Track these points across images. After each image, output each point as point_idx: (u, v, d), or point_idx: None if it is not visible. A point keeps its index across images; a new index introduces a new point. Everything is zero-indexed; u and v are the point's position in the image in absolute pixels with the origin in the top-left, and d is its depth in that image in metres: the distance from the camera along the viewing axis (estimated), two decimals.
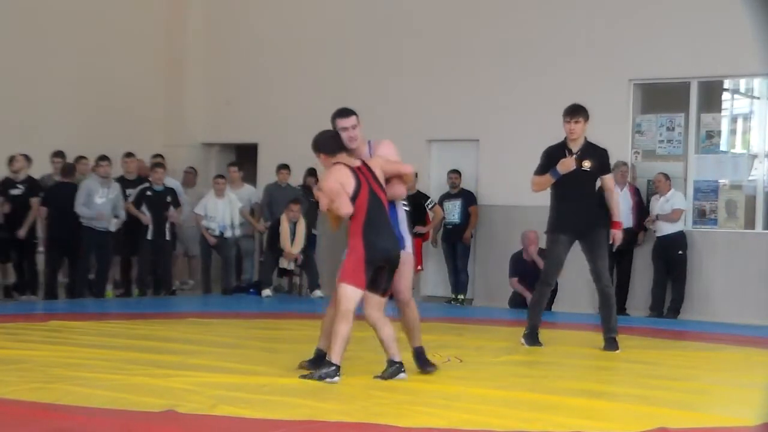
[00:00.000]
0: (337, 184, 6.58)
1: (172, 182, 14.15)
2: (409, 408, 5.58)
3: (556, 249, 8.67)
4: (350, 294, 6.52)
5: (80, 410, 5.28)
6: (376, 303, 6.59)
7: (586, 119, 8.58)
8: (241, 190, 14.49)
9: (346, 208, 6.54)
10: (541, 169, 8.64)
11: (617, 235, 8.57)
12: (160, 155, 14.34)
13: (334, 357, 6.45)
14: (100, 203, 12.59)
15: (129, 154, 13.66)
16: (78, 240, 12.58)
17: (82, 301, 12.23)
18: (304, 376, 6.48)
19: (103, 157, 12.88)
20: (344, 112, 7.13)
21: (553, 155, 8.62)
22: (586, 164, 8.51)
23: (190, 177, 14.98)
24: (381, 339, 6.61)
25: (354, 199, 6.55)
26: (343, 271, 6.58)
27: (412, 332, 6.88)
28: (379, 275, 6.55)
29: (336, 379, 6.36)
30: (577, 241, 8.63)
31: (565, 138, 8.64)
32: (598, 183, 8.67)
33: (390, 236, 6.59)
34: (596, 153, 8.61)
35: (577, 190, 8.53)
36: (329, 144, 6.83)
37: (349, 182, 6.59)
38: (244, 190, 14.56)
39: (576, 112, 8.58)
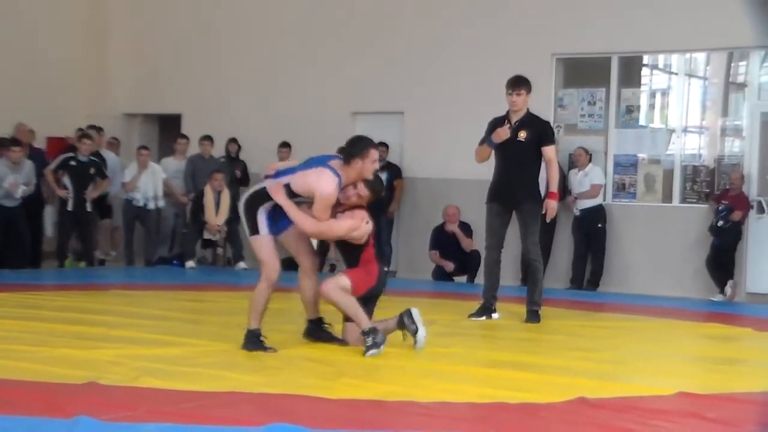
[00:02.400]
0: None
1: (109, 155, 14.04)
2: (333, 380, 5.62)
3: (491, 218, 8.78)
4: (347, 287, 6.64)
5: (1, 382, 5.22)
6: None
7: (528, 91, 8.66)
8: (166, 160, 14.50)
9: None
10: (483, 140, 8.73)
11: (550, 205, 8.60)
12: (96, 127, 14.20)
13: (366, 323, 6.52)
14: (7, 188, 12.42)
15: (85, 135, 13.37)
16: None
17: (1, 273, 12.03)
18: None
19: (15, 142, 12.67)
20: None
21: (493, 126, 8.70)
22: (522, 135, 8.59)
23: (113, 147, 14.79)
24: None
25: None
26: (354, 272, 6.70)
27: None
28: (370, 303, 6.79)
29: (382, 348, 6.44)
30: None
31: (508, 109, 8.71)
32: None
33: None
34: (536, 124, 8.69)
35: (513, 161, 8.61)
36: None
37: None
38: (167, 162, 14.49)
39: (518, 84, 8.65)
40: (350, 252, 6.84)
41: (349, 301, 6.63)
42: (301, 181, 6.51)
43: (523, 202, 8.64)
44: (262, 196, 6.59)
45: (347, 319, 6.79)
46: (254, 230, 6.61)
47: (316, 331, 6.96)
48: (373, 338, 6.48)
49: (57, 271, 12.81)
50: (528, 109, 8.72)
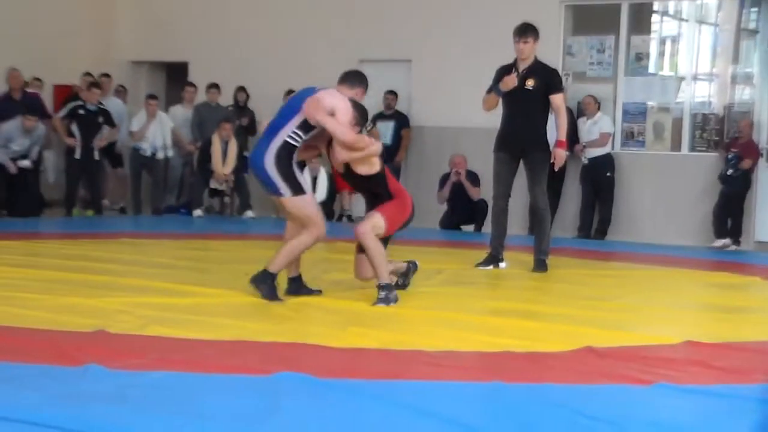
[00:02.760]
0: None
1: (117, 103, 14.00)
2: (341, 329, 5.63)
3: (498, 166, 8.75)
4: (381, 228, 6.57)
5: (9, 330, 5.25)
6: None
7: (535, 39, 8.59)
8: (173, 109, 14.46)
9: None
10: (491, 88, 8.68)
11: (558, 153, 8.55)
12: (106, 75, 14.20)
13: (386, 278, 6.52)
14: (17, 150, 12.43)
15: (94, 84, 13.33)
16: None
17: (11, 221, 12.06)
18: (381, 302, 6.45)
19: (33, 111, 12.64)
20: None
21: (501, 74, 8.64)
22: (530, 83, 8.54)
23: (120, 95, 14.72)
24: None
25: None
26: (387, 208, 6.64)
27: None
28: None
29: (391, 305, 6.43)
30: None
31: (516, 58, 8.65)
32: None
33: None
34: (544, 72, 8.62)
35: (520, 110, 8.56)
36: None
37: None
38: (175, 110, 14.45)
39: (525, 31, 8.58)
40: (376, 186, 6.75)
41: (379, 251, 6.53)
42: (313, 109, 6.40)
43: (531, 151, 8.60)
44: (288, 151, 6.48)
45: (360, 251, 6.74)
46: (297, 189, 6.47)
47: (300, 288, 6.84)
48: (387, 294, 6.47)
49: (64, 219, 12.82)
50: (536, 57, 8.65)
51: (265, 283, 6.50)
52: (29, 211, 12.58)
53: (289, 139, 6.44)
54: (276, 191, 6.47)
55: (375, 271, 6.57)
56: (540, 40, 8.73)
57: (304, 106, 6.44)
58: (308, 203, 6.57)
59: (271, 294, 6.48)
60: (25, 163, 12.60)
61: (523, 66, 8.60)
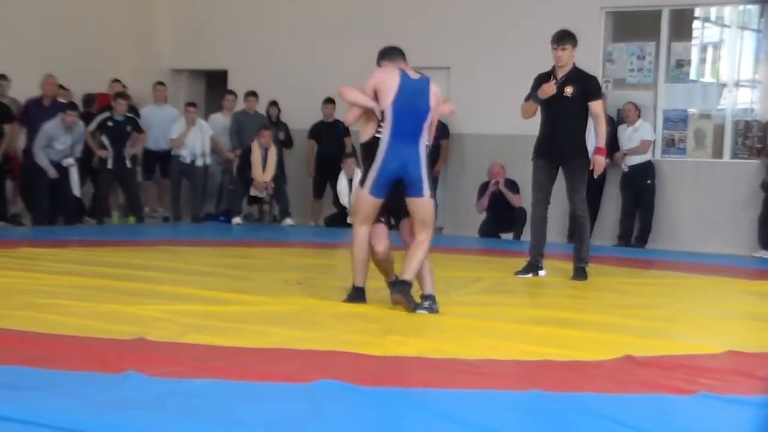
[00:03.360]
0: None
1: (170, 111, 14.14)
2: (380, 337, 5.61)
3: (537, 174, 8.72)
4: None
5: (50, 337, 5.28)
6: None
7: (573, 45, 8.56)
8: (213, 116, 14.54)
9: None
10: (529, 96, 8.65)
11: (597, 160, 8.52)
12: (119, 83, 14.25)
13: (430, 289, 6.59)
14: (60, 149, 12.53)
15: (120, 95, 13.41)
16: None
17: (51, 229, 12.16)
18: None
19: (72, 106, 12.77)
20: None
21: (539, 82, 8.62)
22: (568, 90, 8.51)
23: (159, 93, 14.64)
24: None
25: None
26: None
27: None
28: None
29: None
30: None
31: (554, 65, 8.62)
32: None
33: None
34: (582, 79, 8.58)
35: (559, 117, 8.54)
36: None
37: None
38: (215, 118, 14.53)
39: (562, 38, 8.55)
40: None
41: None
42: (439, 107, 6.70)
43: (570, 158, 8.56)
44: (428, 154, 6.65)
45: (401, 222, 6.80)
46: (433, 191, 6.64)
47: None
48: (430, 304, 6.48)
49: (104, 227, 12.92)
50: (574, 63, 8.61)
51: (406, 293, 6.47)
52: (69, 219, 12.70)
53: (427, 143, 6.60)
54: (419, 192, 6.53)
55: (420, 284, 6.60)
56: (579, 47, 8.70)
57: (431, 108, 6.60)
58: (432, 207, 6.70)
59: (411, 301, 6.46)
60: (69, 161, 12.69)
61: (561, 73, 8.57)
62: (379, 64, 6.85)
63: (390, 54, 6.86)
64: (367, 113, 6.66)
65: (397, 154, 6.49)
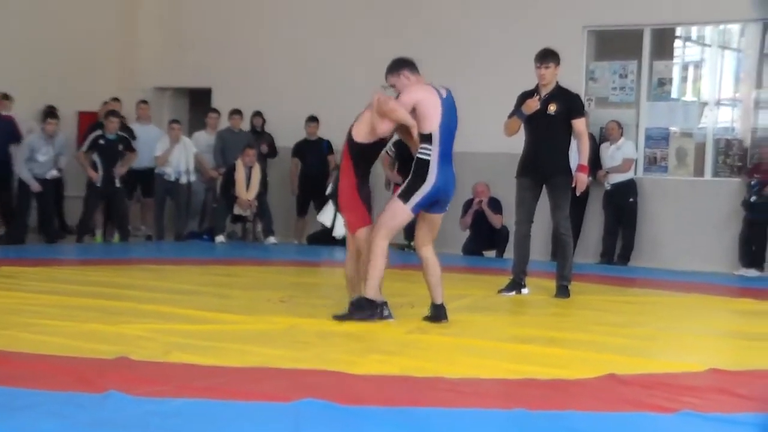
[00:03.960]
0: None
1: (153, 129, 14.12)
2: (363, 356, 5.62)
3: (521, 192, 8.75)
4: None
5: (31, 357, 5.26)
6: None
7: (556, 64, 8.60)
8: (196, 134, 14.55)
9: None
10: (513, 112, 8.69)
11: (580, 178, 8.55)
12: (116, 99, 14.22)
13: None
14: (42, 161, 12.49)
15: (112, 113, 13.32)
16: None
17: (34, 247, 12.12)
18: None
19: (52, 114, 12.74)
20: None
21: (523, 100, 8.66)
22: (552, 108, 8.55)
23: (142, 111, 14.63)
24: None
25: None
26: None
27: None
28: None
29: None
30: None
31: (537, 83, 8.67)
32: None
33: None
34: (566, 97, 8.63)
35: (542, 135, 8.57)
36: None
37: None
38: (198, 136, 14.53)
39: (546, 57, 8.60)
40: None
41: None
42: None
43: (553, 176, 8.59)
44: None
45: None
46: None
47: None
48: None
49: (86, 245, 12.87)
50: (557, 82, 8.66)
51: (442, 315, 6.79)
52: (51, 237, 12.67)
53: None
54: (444, 208, 6.81)
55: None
56: (562, 65, 8.75)
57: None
58: None
59: (444, 316, 6.75)
60: (54, 173, 12.66)
61: (544, 91, 8.61)
62: (397, 74, 6.82)
63: (414, 66, 6.86)
64: (382, 121, 6.65)
65: (444, 175, 6.62)
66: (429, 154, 6.56)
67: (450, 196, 6.76)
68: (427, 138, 6.57)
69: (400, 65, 6.84)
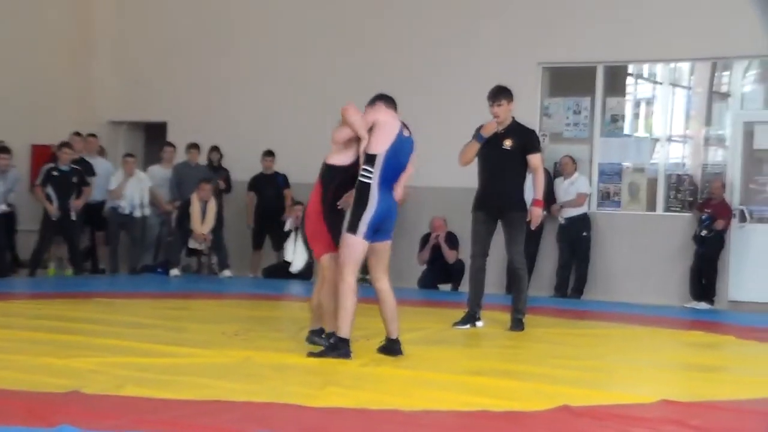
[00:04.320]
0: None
1: (103, 162, 14.01)
2: (319, 388, 5.60)
3: (476, 226, 8.79)
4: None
5: None
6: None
7: (509, 101, 8.66)
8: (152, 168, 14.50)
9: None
10: (473, 137, 8.72)
11: (535, 212, 8.63)
12: (77, 134, 14.17)
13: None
14: None
15: (65, 144, 13.26)
16: None
17: None
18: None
19: (3, 149, 12.68)
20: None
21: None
22: (507, 143, 8.61)
23: (91, 145, 14.46)
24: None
25: None
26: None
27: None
28: None
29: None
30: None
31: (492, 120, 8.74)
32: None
33: None
34: (522, 133, 8.70)
35: (498, 170, 8.62)
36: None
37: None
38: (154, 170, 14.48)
39: (498, 95, 8.65)
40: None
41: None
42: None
43: (508, 211, 8.65)
44: None
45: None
46: None
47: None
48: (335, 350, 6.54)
49: (38, 279, 12.76)
50: (513, 117, 8.74)
51: (397, 350, 6.77)
52: (3, 271, 12.55)
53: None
54: (389, 235, 6.81)
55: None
56: (517, 101, 8.82)
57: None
58: None
59: (399, 351, 6.74)
60: (3, 207, 12.55)
61: (501, 127, 8.68)
62: (372, 105, 6.87)
63: (391, 102, 6.90)
64: (349, 141, 6.71)
65: (386, 202, 6.61)
66: (370, 178, 6.56)
67: (392, 225, 6.74)
68: (371, 159, 6.57)
69: (378, 98, 6.92)
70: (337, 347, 6.53)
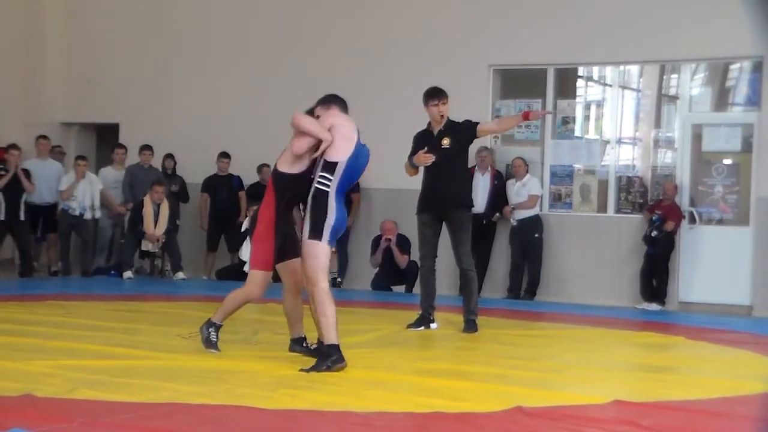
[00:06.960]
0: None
1: (54, 164, 13.91)
2: (273, 390, 5.61)
3: (422, 228, 8.80)
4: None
5: None
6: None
7: (447, 98, 8.71)
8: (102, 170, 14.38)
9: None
10: (411, 155, 8.73)
11: (533, 114, 8.93)
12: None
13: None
14: None
15: (12, 146, 13.12)
16: None
17: None
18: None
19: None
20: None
21: (421, 140, 8.74)
22: (446, 141, 8.63)
23: (42, 147, 14.35)
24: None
25: None
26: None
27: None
28: None
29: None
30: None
31: (429, 121, 8.76)
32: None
33: None
34: (455, 127, 8.71)
35: (440, 170, 8.62)
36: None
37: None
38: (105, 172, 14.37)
39: (442, 93, 8.69)
40: None
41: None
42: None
43: (453, 211, 8.64)
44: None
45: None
46: None
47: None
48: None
49: None
50: (447, 116, 8.74)
51: (328, 358, 6.39)
52: None
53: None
54: (334, 244, 6.69)
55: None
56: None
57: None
58: None
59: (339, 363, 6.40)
60: None
61: (437, 128, 8.71)
62: (326, 107, 6.67)
63: (345, 106, 6.72)
64: (297, 138, 6.52)
65: (341, 211, 6.47)
66: (328, 186, 6.39)
67: (341, 233, 6.65)
68: (330, 167, 6.39)
69: (332, 100, 6.72)
70: (329, 354, 6.34)
